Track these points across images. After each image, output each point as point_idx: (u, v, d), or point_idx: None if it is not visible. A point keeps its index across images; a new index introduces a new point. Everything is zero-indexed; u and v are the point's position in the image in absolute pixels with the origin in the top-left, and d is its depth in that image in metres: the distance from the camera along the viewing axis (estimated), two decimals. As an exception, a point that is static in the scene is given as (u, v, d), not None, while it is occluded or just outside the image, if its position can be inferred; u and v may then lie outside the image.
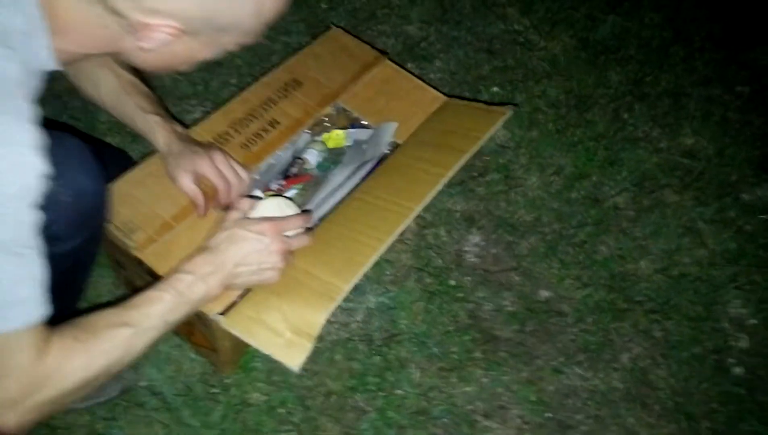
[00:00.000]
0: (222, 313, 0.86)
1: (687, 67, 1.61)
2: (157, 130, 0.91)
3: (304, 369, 1.10)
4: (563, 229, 1.34)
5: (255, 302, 0.87)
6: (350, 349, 1.13)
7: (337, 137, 1.19)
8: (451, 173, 0.98)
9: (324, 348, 1.13)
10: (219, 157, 0.92)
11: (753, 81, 1.64)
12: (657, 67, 1.60)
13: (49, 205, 0.59)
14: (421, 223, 1.32)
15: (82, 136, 0.93)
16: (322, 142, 1.19)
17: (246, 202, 0.86)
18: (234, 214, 0.83)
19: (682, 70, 1.60)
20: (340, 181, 1.12)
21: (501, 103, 1.45)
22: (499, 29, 1.64)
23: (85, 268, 0.87)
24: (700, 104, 1.56)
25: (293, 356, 0.82)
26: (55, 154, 0.67)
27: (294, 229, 0.87)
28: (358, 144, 1.18)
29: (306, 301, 0.86)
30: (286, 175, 1.13)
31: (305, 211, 0.97)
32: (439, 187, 0.97)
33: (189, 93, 1.44)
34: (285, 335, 0.84)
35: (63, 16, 0.58)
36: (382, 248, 0.89)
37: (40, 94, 0.64)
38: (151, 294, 0.72)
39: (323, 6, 1.63)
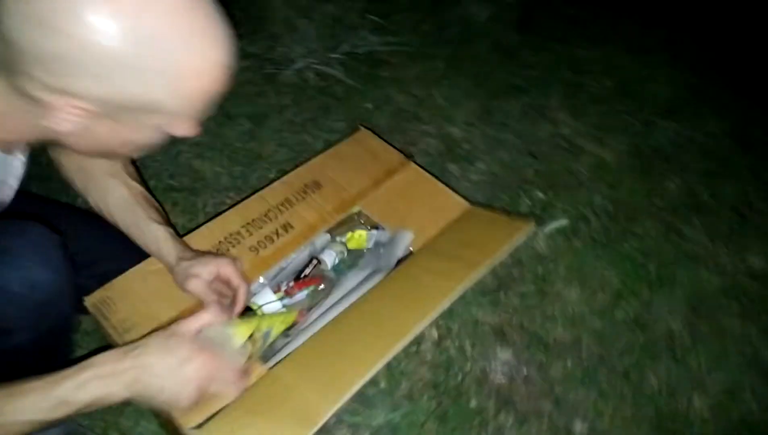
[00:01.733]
0: (199, 425, 0.80)
1: (754, 178, 1.47)
2: (169, 240, 0.90)
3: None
4: (605, 354, 1.21)
5: (232, 418, 0.80)
6: (349, 474, 1.04)
7: (359, 238, 1.15)
8: (460, 288, 0.91)
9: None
10: (236, 261, 0.91)
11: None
12: (720, 177, 1.47)
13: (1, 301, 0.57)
14: (445, 333, 1.23)
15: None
16: (342, 244, 1.15)
17: (203, 319, 0.78)
18: (183, 327, 0.75)
19: (748, 181, 1.47)
20: (351, 287, 1.07)
21: (533, 214, 1.38)
22: (546, 133, 1.58)
23: (51, 364, 0.85)
24: (770, 220, 1.41)
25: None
26: (9, 243, 0.66)
27: (229, 372, 0.78)
28: (377, 246, 1.13)
29: (284, 422, 0.79)
30: (298, 277, 1.09)
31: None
32: (447, 303, 0.90)
33: (228, 185, 1.46)
34: (257, 461, 0.76)
35: None
36: (371, 372, 0.82)
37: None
38: (32, 385, 0.63)
39: (368, 106, 1.64)
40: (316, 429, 0.77)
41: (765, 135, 1.56)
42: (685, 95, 1.65)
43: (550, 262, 1.33)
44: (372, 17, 1.81)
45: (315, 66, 1.70)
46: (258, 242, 1.04)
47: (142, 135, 0.64)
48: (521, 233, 0.99)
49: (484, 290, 1.28)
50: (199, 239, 1.02)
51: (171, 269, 0.90)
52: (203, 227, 1.04)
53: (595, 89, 1.68)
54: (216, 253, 0.94)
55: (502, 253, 0.96)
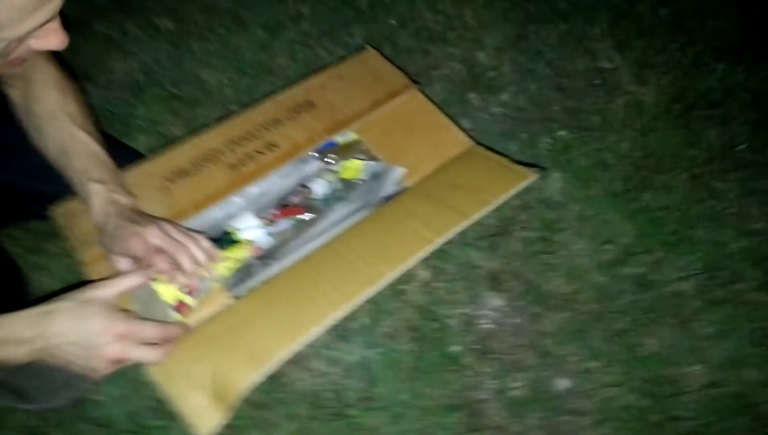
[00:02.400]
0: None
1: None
2: (93, 201, 0.81)
3: (262, 419, 1.01)
4: (605, 310, 1.14)
5: (187, 349, 0.79)
6: (316, 405, 1.02)
7: (354, 168, 1.09)
8: (439, 240, 0.85)
9: (288, 398, 1.03)
10: (155, 232, 0.78)
11: None
12: (767, 132, 1.32)
13: None
14: (437, 274, 1.17)
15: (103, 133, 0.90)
16: (335, 172, 1.09)
17: (127, 282, 0.74)
18: (100, 292, 0.71)
19: (802, 140, 1.31)
20: (337, 219, 1.02)
21: (552, 154, 1.27)
22: (584, 65, 1.44)
23: None
24: (817, 184, 1.26)
25: (205, 421, 0.73)
26: None
27: (148, 339, 0.73)
28: (373, 178, 1.07)
29: (237, 359, 0.77)
30: (284, 204, 1.04)
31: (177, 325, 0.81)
32: (423, 254, 0.84)
33: (232, 98, 1.40)
34: (206, 394, 0.75)
35: None
36: (332, 316, 0.78)
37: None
38: None
39: (392, 22, 1.52)
40: (265, 369, 0.75)
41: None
42: (748, 36, 1.46)
43: (560, 209, 1.24)
44: None
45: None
46: (238, 160, 0.99)
47: None
48: (520, 183, 0.91)
49: (484, 233, 1.21)
50: (177, 155, 0.98)
51: (98, 231, 0.82)
52: (182, 144, 1.00)
53: (646, 19, 1.50)
54: (147, 219, 0.83)
55: (494, 204, 0.89)
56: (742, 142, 1.31)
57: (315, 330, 0.77)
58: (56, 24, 0.59)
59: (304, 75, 1.40)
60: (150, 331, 0.73)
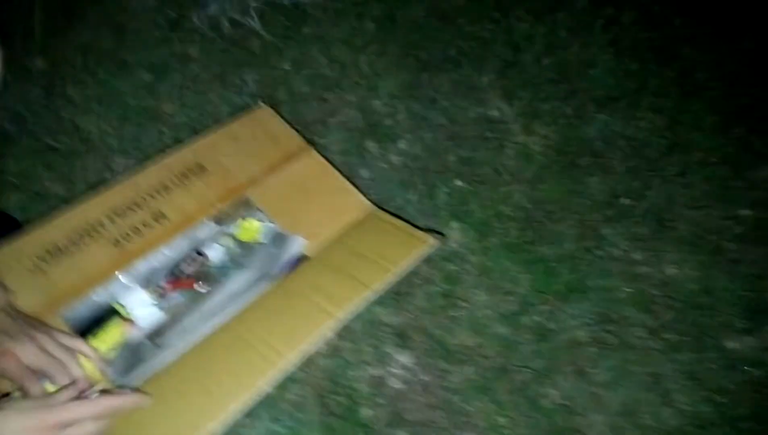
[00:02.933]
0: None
1: (683, 183, 1.42)
2: None
3: None
4: (508, 363, 1.16)
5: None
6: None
7: (251, 228, 1.03)
8: (341, 314, 0.82)
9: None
10: (29, 349, 0.70)
11: (759, 205, 1.43)
12: (646, 179, 1.41)
13: None
14: (343, 333, 1.14)
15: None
16: (231, 236, 1.03)
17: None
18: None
19: (677, 185, 1.41)
20: (235, 290, 0.96)
21: (448, 209, 1.28)
22: (475, 114, 1.47)
23: None
24: (692, 227, 1.36)
25: None
26: None
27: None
28: (272, 242, 1.02)
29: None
30: (176, 275, 0.97)
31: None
32: (323, 330, 0.81)
33: (115, 148, 1.30)
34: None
35: None
36: (231, 409, 0.72)
37: None
38: None
39: (285, 67, 1.48)
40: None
41: (702, 134, 1.50)
42: (623, 84, 1.56)
43: (461, 261, 1.25)
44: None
45: (230, 14, 1.51)
46: (122, 234, 0.90)
47: None
48: (421, 250, 0.90)
49: (389, 288, 1.19)
50: (51, 230, 0.88)
51: None
52: (57, 217, 0.90)
53: (531, 70, 1.56)
54: (23, 322, 0.74)
55: (398, 273, 0.87)
56: (622, 192, 1.38)
57: (210, 425, 0.71)
58: None
59: (194, 121, 1.34)
60: (84, 410, 0.65)
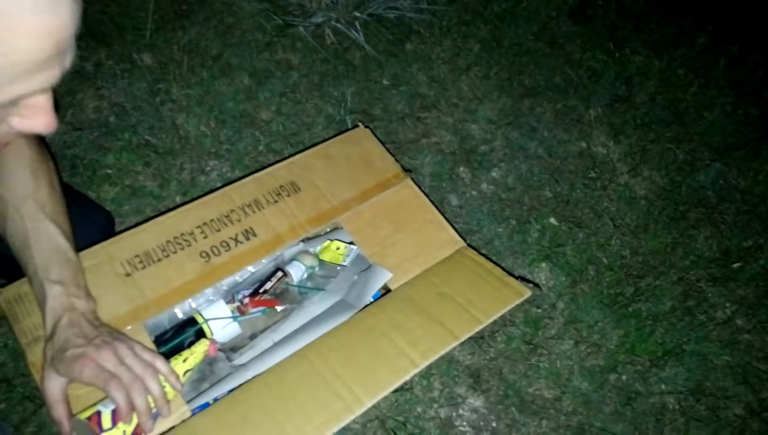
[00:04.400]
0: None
1: (799, 247, 1.29)
2: (48, 305, 0.71)
3: None
4: (586, 422, 1.08)
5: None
6: None
7: (336, 251, 1.01)
8: (424, 364, 0.78)
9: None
10: (107, 357, 0.68)
11: None
12: (759, 238, 1.29)
13: None
14: (415, 368, 1.10)
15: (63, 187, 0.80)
16: (315, 256, 1.01)
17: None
18: None
19: (791, 249, 1.29)
20: (314, 315, 0.94)
21: (540, 248, 1.21)
22: (577, 148, 1.39)
23: None
24: (806, 297, 1.24)
25: None
26: None
27: None
28: (354, 266, 0.99)
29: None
30: (258, 290, 0.96)
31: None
32: (404, 378, 0.77)
33: (210, 150, 1.31)
34: None
35: None
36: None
37: None
38: None
39: (385, 82, 1.45)
40: None
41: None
42: (743, 131, 1.44)
43: (547, 305, 1.18)
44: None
45: (335, 23, 1.50)
46: (211, 248, 0.90)
47: None
48: (514, 301, 0.84)
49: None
50: (143, 237, 0.89)
51: (45, 338, 0.71)
52: (150, 223, 0.90)
53: (642, 107, 1.47)
54: (103, 334, 0.72)
55: (486, 323, 0.82)
56: (732, 250, 1.27)
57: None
58: (48, 99, 0.48)
59: (288, 130, 1.33)
60: None
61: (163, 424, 0.75)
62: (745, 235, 1.29)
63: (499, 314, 0.84)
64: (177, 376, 0.75)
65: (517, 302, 0.86)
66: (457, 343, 0.81)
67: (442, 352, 0.80)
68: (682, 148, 1.40)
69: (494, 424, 1.08)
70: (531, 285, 0.86)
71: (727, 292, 1.22)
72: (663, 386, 1.12)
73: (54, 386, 0.68)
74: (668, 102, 1.47)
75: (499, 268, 0.91)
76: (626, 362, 1.13)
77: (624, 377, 1.13)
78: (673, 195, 1.33)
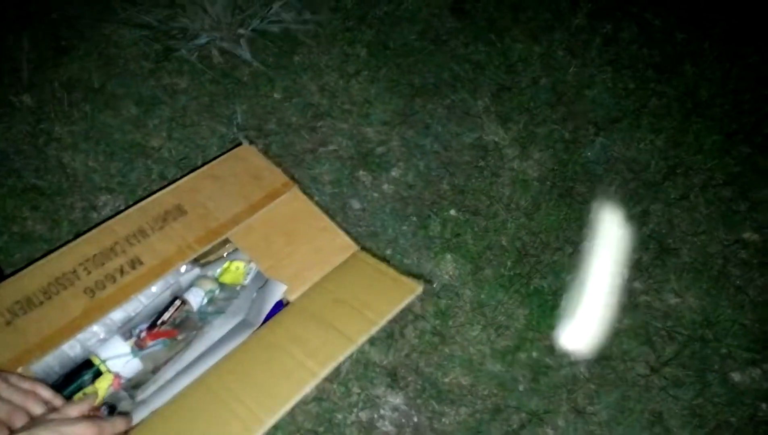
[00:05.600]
0: None
1: (685, 206, 1.37)
2: None
3: None
4: (503, 403, 1.12)
5: None
6: None
7: (236, 271, 1.01)
8: (324, 373, 0.78)
9: None
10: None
11: (765, 228, 1.39)
12: (646, 203, 1.37)
13: None
14: (331, 374, 1.11)
15: None
16: (214, 279, 1.00)
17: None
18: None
19: (678, 209, 1.37)
20: (216, 338, 0.93)
21: (442, 239, 1.24)
22: (470, 140, 1.44)
23: None
24: (694, 253, 1.32)
25: None
26: None
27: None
28: (255, 284, 0.99)
29: None
30: (155, 322, 0.94)
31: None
32: (305, 390, 0.77)
33: (101, 185, 1.28)
34: None
35: None
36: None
37: None
38: None
39: (276, 96, 1.46)
40: None
41: (704, 155, 1.46)
42: (623, 105, 1.52)
43: (453, 295, 1.22)
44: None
45: (220, 43, 1.49)
46: (96, 283, 0.87)
47: None
48: (406, 298, 0.86)
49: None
50: (21, 282, 0.86)
51: None
52: (31, 267, 0.87)
53: (527, 92, 1.53)
54: None
55: (381, 323, 0.84)
56: (624, 216, 1.34)
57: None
58: None
59: (182, 155, 1.32)
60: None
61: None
62: (633, 201, 1.37)
63: (393, 313, 0.86)
64: (63, 397, 0.73)
65: (411, 299, 0.88)
66: (355, 347, 0.82)
67: (341, 359, 0.81)
68: (567, 126, 1.47)
69: (415, 419, 1.10)
70: (424, 281, 0.88)
71: (623, 258, 1.29)
72: (570, 358, 1.17)
73: None
74: (551, 84, 1.54)
75: (392, 269, 0.93)
76: (534, 339, 1.18)
77: (534, 354, 1.17)
78: (562, 173, 1.39)
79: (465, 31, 1.61)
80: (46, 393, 0.73)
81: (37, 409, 0.70)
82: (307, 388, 0.78)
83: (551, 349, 1.17)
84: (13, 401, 0.69)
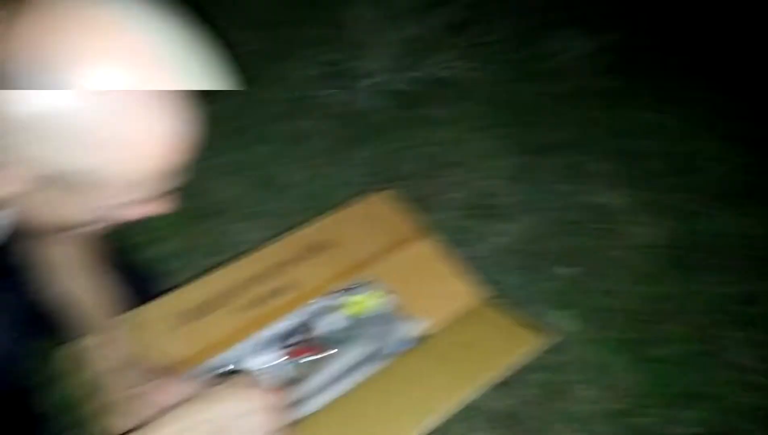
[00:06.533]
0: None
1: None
2: (92, 355, 0.82)
3: None
4: (607, 466, 1.12)
5: None
6: None
7: (361, 303, 1.08)
8: (445, 412, 0.84)
9: None
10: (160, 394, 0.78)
11: None
12: (763, 282, 1.34)
13: None
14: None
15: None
16: (340, 309, 1.08)
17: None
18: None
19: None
20: (348, 365, 1.00)
21: (554, 296, 1.27)
22: (589, 201, 1.47)
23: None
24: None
25: None
26: None
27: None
28: (380, 320, 1.06)
29: None
30: (287, 344, 1.03)
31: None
32: (427, 428, 0.84)
33: (240, 213, 1.40)
34: None
35: None
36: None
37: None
38: None
39: (396, 145, 1.55)
40: None
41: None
42: (753, 181, 1.51)
43: (562, 353, 1.23)
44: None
45: (347, 95, 1.62)
46: (249, 303, 0.98)
47: (82, 211, 0.56)
48: (530, 349, 0.91)
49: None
50: (187, 295, 0.97)
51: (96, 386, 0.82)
52: (195, 283, 0.99)
53: (651, 161, 1.55)
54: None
55: (506, 368, 0.89)
56: (745, 294, 1.33)
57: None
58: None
59: (313, 193, 1.43)
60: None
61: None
62: (756, 277, 1.35)
63: (517, 362, 0.91)
64: None
65: (535, 349, 0.92)
66: (476, 389, 0.87)
67: (464, 400, 0.86)
68: (683, 197, 1.48)
69: (515, 472, 1.11)
70: (546, 332, 0.93)
71: (742, 335, 1.27)
72: (681, 429, 1.16)
73: (121, 425, 0.76)
74: (672, 154, 1.56)
75: (516, 318, 0.98)
76: (644, 405, 1.17)
77: (643, 420, 1.16)
78: (678, 242, 1.39)
79: (588, 92, 1.67)
80: None
81: None
82: (431, 425, 0.84)
83: (662, 420, 1.16)
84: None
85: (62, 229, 0.67)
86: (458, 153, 1.55)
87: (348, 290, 1.08)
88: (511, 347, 0.91)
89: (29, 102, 0.45)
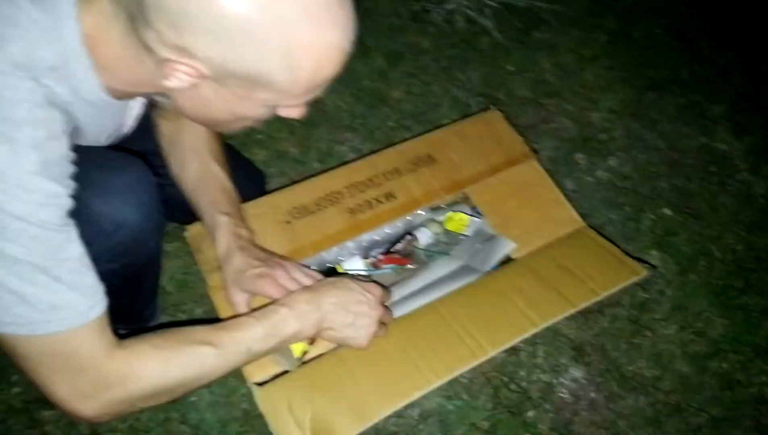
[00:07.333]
0: (261, 383, 0.85)
1: None
2: (220, 232, 0.86)
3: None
4: (683, 402, 1.14)
5: (292, 386, 0.84)
6: (389, 447, 1.07)
7: (459, 221, 1.12)
8: (543, 325, 0.87)
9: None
10: (282, 275, 0.84)
11: None
12: None
13: (88, 230, 0.61)
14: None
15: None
16: (440, 224, 1.12)
17: None
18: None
19: None
20: (439, 276, 1.05)
21: (653, 236, 1.25)
22: (698, 143, 1.42)
23: (138, 286, 0.92)
24: None
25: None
26: (107, 178, 0.70)
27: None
28: (476, 236, 1.10)
29: (338, 409, 0.82)
30: (389, 250, 1.09)
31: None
32: (524, 336, 0.87)
33: (346, 123, 1.45)
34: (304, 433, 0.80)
35: (105, 52, 0.59)
36: (434, 385, 0.82)
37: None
38: (243, 320, 0.74)
39: (510, 68, 1.53)
40: (366, 427, 0.80)
41: None
42: None
43: (654, 291, 1.24)
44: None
45: (466, 10, 1.60)
46: (357, 205, 1.04)
47: (247, 108, 0.63)
48: (629, 280, 0.92)
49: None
50: (300, 192, 1.04)
51: (221, 261, 0.87)
52: (307, 181, 1.05)
53: (769, 105, 1.46)
54: (268, 257, 0.88)
55: (602, 296, 0.91)
56: None
57: (416, 395, 0.82)
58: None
59: (417, 109, 1.45)
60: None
61: (318, 348, 0.89)
62: None
63: (616, 289, 0.93)
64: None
65: (634, 280, 0.94)
66: (574, 310, 0.90)
67: (561, 317, 0.90)
68: (810, 149, 1.40)
69: (593, 395, 1.16)
70: (647, 265, 0.93)
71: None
72: (764, 378, 1.15)
73: (240, 300, 0.85)
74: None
75: (617, 248, 0.99)
76: (729, 351, 1.17)
77: (725, 365, 1.17)
78: (795, 195, 1.33)
79: (711, 32, 1.56)
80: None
81: None
82: (527, 335, 0.88)
83: (745, 365, 1.16)
84: (304, 283, 0.85)
85: (212, 124, 0.74)
86: (571, 82, 1.51)
87: (450, 206, 1.12)
88: (607, 277, 0.93)
89: (224, 4, 0.51)
